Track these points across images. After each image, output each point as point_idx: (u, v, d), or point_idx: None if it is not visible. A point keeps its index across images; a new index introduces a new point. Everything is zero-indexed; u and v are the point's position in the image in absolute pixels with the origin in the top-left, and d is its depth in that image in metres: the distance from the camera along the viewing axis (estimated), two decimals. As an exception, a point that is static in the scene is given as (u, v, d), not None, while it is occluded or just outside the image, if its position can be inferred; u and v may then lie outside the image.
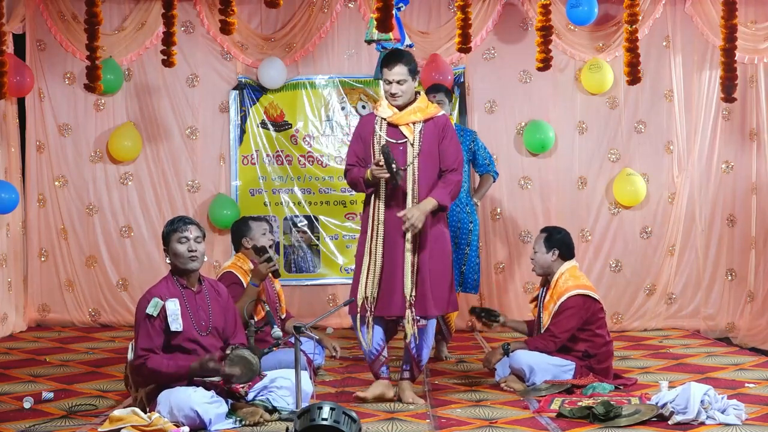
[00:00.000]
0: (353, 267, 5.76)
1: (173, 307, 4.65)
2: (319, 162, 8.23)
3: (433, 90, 6.56)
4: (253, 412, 4.66)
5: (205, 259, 4.91)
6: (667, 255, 8.13)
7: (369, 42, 6.73)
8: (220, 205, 8.06)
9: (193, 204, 8.21)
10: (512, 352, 5.59)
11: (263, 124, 8.24)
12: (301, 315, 7.61)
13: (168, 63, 6.75)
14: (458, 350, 6.97)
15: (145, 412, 4.53)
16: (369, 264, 5.14)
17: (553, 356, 5.52)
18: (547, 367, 5.47)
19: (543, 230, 5.83)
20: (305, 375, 4.69)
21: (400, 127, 5.16)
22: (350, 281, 5.46)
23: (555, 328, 5.55)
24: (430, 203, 5.08)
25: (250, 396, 4.83)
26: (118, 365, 6.11)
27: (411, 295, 5.07)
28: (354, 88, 8.23)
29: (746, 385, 5.61)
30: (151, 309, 4.61)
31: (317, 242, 8.25)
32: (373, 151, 5.18)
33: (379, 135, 5.17)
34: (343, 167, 5.45)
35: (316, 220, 8.25)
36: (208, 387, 4.63)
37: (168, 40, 6.62)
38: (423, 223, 5.05)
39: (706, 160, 8.14)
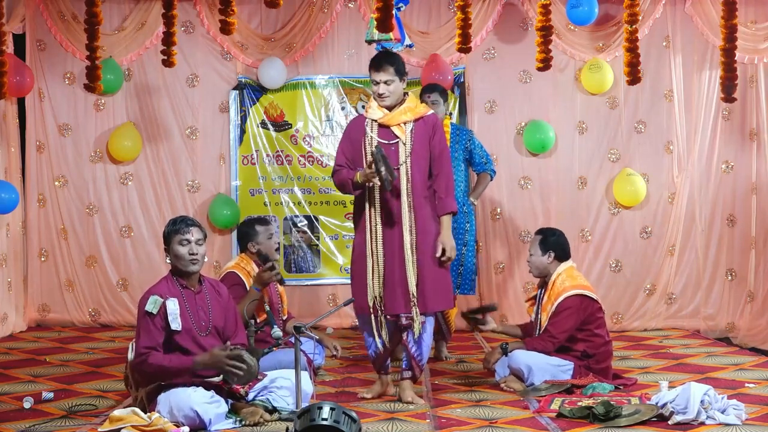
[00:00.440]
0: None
1: (173, 306, 4.65)
2: (319, 162, 8.23)
3: (428, 90, 6.56)
4: (253, 412, 4.66)
5: (206, 260, 4.91)
6: (667, 255, 8.13)
7: (369, 42, 6.72)
8: (220, 205, 8.06)
9: (193, 204, 8.22)
10: (511, 352, 5.59)
11: (263, 124, 8.24)
12: (301, 315, 7.61)
13: (168, 63, 6.75)
14: (458, 350, 6.97)
15: (145, 412, 4.52)
16: (373, 265, 5.18)
17: (552, 356, 5.53)
18: (545, 366, 5.47)
19: (538, 232, 5.84)
20: (305, 375, 4.70)
21: (391, 127, 5.23)
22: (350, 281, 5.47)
23: (553, 329, 5.55)
24: (448, 220, 5.25)
25: (250, 396, 4.83)
26: (118, 365, 6.11)
27: (414, 293, 5.12)
28: (354, 88, 8.23)
29: (746, 385, 5.61)
30: (151, 307, 4.61)
31: (317, 242, 8.25)
32: (365, 153, 5.24)
33: (371, 137, 5.24)
34: None
35: (316, 220, 8.25)
36: (207, 387, 4.63)
37: (168, 40, 6.62)
38: (429, 224, 5.21)
39: (706, 160, 8.15)
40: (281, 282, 5.72)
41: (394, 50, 6.99)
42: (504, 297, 8.15)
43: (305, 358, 5.25)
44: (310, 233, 8.26)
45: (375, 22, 5.89)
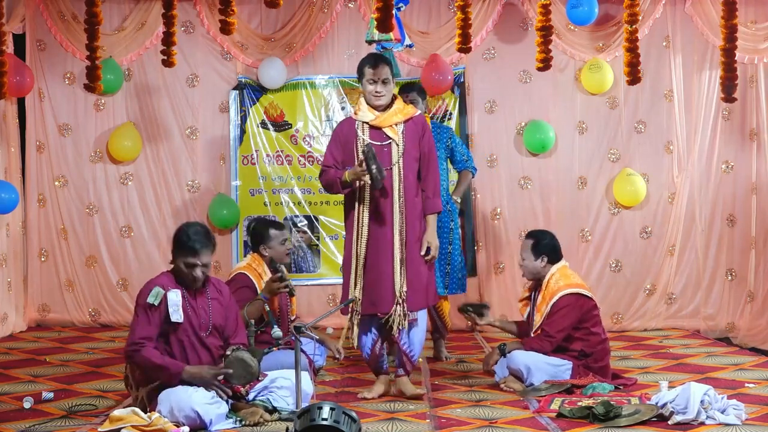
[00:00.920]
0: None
1: (175, 297, 4.64)
2: (319, 162, 8.20)
3: (406, 89, 6.51)
4: (253, 412, 4.67)
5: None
6: (667, 255, 8.13)
7: (369, 42, 6.73)
8: (220, 205, 8.06)
9: (193, 204, 8.21)
10: (509, 352, 5.59)
11: (263, 124, 8.24)
12: (301, 315, 7.60)
13: (168, 63, 6.74)
14: (458, 350, 6.97)
15: (146, 412, 4.52)
16: (356, 266, 5.26)
17: (550, 356, 5.53)
18: (544, 366, 5.47)
19: (528, 236, 5.84)
20: (305, 375, 4.70)
21: (383, 129, 5.29)
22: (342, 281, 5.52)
23: (549, 328, 5.55)
24: (433, 219, 5.37)
25: (251, 396, 4.83)
26: (118, 365, 6.11)
27: (402, 291, 5.18)
28: (354, 88, 8.22)
29: (746, 385, 5.61)
30: (152, 298, 4.60)
31: (317, 242, 8.25)
32: (357, 155, 5.28)
33: (363, 139, 5.28)
34: None
35: (316, 220, 8.25)
36: (208, 387, 4.63)
37: (168, 40, 6.62)
38: (417, 223, 5.30)
39: (706, 160, 8.15)
40: (291, 294, 5.62)
41: (395, 50, 7.02)
42: (504, 297, 8.13)
43: (306, 359, 5.25)
44: (310, 233, 8.26)
45: (375, 22, 5.89)
